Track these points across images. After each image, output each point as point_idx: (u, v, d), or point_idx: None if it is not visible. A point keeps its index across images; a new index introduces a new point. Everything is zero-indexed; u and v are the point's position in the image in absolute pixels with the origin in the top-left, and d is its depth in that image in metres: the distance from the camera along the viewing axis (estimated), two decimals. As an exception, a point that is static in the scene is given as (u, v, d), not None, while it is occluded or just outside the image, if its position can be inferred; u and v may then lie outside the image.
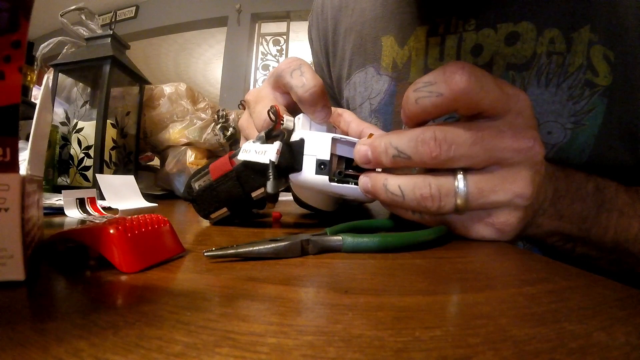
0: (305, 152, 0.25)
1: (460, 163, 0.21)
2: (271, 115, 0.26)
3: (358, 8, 0.49)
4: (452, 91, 0.20)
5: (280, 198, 0.28)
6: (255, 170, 0.25)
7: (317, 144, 0.25)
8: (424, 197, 0.22)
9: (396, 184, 0.23)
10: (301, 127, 0.27)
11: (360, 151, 0.24)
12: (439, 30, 0.39)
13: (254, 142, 0.26)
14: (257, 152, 0.24)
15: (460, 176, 0.21)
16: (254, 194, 0.26)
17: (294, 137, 0.26)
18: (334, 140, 0.25)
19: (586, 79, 0.32)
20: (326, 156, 0.24)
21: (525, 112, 0.22)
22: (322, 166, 0.24)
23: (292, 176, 0.25)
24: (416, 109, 0.22)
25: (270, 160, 0.23)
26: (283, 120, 0.27)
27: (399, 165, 0.23)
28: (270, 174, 0.23)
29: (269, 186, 0.23)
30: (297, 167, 0.25)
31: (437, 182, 0.22)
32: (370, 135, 0.26)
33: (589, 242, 0.28)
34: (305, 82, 0.26)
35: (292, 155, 0.25)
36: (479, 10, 0.36)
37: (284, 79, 0.27)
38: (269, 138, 0.26)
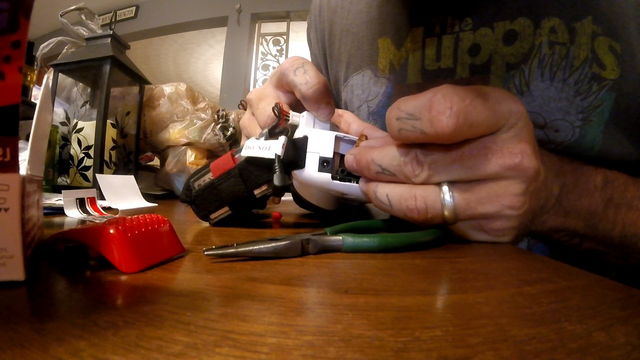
0: (308, 149, 0.25)
1: (443, 179, 0.21)
2: (275, 112, 0.26)
3: (353, 10, 0.48)
4: (436, 134, 0.19)
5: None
6: (259, 167, 0.25)
7: (320, 142, 0.25)
8: (410, 209, 0.21)
9: (384, 193, 0.22)
10: (305, 125, 0.27)
11: (348, 161, 0.24)
12: (435, 31, 0.38)
13: (257, 139, 0.26)
14: (261, 148, 0.24)
15: (445, 188, 0.21)
16: (256, 192, 0.26)
17: (298, 135, 0.26)
18: (337, 138, 0.25)
19: (592, 73, 0.31)
20: (329, 154, 0.25)
21: (517, 125, 0.21)
22: (325, 164, 0.25)
23: (295, 173, 0.25)
24: (399, 137, 0.21)
25: (276, 154, 0.24)
26: (288, 116, 0.27)
27: (385, 180, 0.23)
28: (277, 167, 0.23)
29: (276, 179, 0.23)
30: (301, 163, 0.25)
31: (423, 193, 0.21)
32: (362, 137, 0.26)
33: (596, 238, 0.28)
34: (308, 79, 0.26)
35: (295, 151, 0.25)
36: (474, 8, 0.36)
37: (288, 77, 0.27)
38: (272, 135, 0.26)
